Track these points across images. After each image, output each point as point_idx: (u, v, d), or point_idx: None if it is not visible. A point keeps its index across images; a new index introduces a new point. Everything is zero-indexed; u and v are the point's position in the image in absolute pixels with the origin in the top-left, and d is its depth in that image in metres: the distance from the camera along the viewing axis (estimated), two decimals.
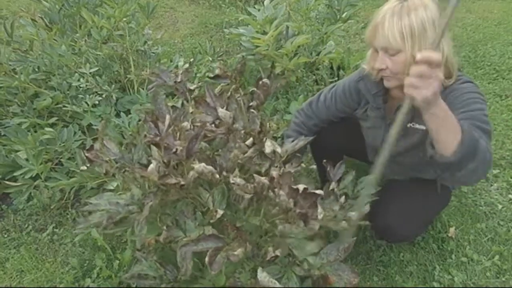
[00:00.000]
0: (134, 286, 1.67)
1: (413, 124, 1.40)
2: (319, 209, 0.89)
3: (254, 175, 0.95)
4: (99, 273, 1.77)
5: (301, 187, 0.90)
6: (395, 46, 1.23)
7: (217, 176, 1.01)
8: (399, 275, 1.71)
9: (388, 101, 1.47)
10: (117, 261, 1.78)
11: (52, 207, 2.12)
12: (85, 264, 1.85)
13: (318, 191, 0.90)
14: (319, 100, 1.67)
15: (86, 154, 1.10)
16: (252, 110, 1.33)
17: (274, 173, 0.96)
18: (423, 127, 1.37)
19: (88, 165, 1.13)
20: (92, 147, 1.13)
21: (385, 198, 1.51)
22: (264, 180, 0.94)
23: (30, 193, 2.08)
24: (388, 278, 1.71)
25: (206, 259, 0.89)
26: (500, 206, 2.02)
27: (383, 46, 1.26)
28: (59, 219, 2.10)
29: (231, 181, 0.96)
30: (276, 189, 0.93)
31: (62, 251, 1.94)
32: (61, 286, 1.76)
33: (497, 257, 1.76)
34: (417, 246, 1.83)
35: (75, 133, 2.19)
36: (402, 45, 1.22)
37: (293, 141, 1.35)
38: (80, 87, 2.33)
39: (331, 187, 1.30)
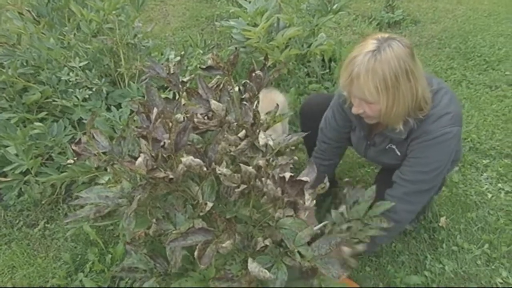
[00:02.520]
0: (126, 279, 1.67)
1: (391, 145, 1.48)
2: (307, 196, 0.89)
3: (241, 164, 0.93)
4: (92, 268, 1.75)
5: (287, 175, 0.89)
6: (371, 99, 1.28)
7: (205, 169, 1.00)
8: (391, 265, 1.72)
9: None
10: (110, 255, 1.77)
11: (43, 202, 2.10)
12: (78, 259, 1.83)
13: (305, 178, 0.90)
14: (326, 124, 1.69)
15: (73, 148, 1.07)
16: (244, 102, 1.31)
17: (261, 162, 0.94)
18: (398, 153, 1.47)
19: (76, 158, 1.11)
20: (79, 140, 1.11)
21: (379, 185, 1.52)
22: (251, 169, 0.93)
23: (21, 188, 2.06)
24: (380, 268, 1.72)
25: (196, 253, 0.88)
26: (490, 196, 2.04)
27: (360, 98, 1.31)
28: (50, 214, 2.08)
29: (218, 172, 0.95)
30: (263, 178, 0.92)
31: (54, 246, 1.93)
32: (53, 281, 1.74)
33: (487, 245, 1.78)
34: (408, 236, 1.84)
35: (65, 127, 2.16)
36: (378, 98, 1.27)
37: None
38: (70, 81, 2.29)
39: (340, 210, 1.27)
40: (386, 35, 1.27)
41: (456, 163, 1.72)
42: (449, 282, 1.65)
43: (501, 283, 1.65)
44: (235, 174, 0.95)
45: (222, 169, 0.95)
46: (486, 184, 2.11)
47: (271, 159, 1.27)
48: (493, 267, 1.70)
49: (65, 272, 1.78)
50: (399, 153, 1.47)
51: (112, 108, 2.24)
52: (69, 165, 1.96)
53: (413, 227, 1.86)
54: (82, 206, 1.24)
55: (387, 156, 1.52)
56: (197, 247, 0.90)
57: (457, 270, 1.70)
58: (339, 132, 1.67)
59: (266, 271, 0.87)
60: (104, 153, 1.23)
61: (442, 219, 1.89)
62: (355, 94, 1.31)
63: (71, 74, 2.28)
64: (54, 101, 2.24)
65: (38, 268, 1.82)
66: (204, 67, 1.29)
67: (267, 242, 0.95)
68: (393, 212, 1.42)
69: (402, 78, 1.23)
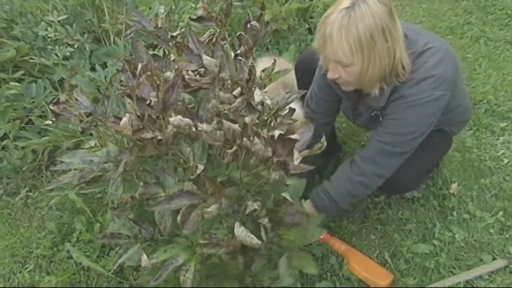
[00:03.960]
0: (116, 248, 1.69)
1: (376, 112, 1.49)
2: (295, 155, 0.89)
3: (223, 120, 0.92)
4: (79, 237, 1.78)
5: (276, 133, 0.88)
6: (346, 61, 1.27)
7: (194, 129, 0.99)
8: (397, 233, 1.74)
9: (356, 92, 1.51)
10: (98, 224, 1.79)
11: (24, 169, 2.10)
12: (64, 228, 1.85)
13: (294, 136, 0.89)
14: (311, 96, 1.68)
15: (51, 108, 1.06)
16: (239, 58, 1.29)
17: (247, 119, 0.93)
18: (381, 119, 1.48)
19: (54, 119, 1.09)
20: (58, 100, 1.09)
21: None
22: (234, 126, 0.92)
23: None
24: (385, 236, 1.74)
25: (178, 218, 0.88)
26: (506, 161, 2.03)
27: (334, 60, 1.30)
28: (32, 182, 2.09)
29: (199, 128, 0.94)
30: (250, 137, 0.91)
31: (38, 215, 1.95)
32: (38, 251, 1.77)
33: (501, 213, 1.79)
34: (416, 203, 1.85)
35: (45, 88, 2.14)
36: (352, 59, 1.25)
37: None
38: (48, 38, 2.25)
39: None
40: None
41: (465, 124, 1.72)
42: (459, 251, 1.67)
43: None
44: (218, 131, 0.94)
45: (203, 125, 0.93)
46: (502, 149, 2.10)
47: (269, 119, 1.26)
48: (507, 235, 1.72)
49: (50, 242, 1.80)
50: (382, 119, 1.48)
51: (97, 67, 2.22)
52: (51, 129, 1.96)
53: (421, 193, 1.87)
54: (65, 172, 1.25)
55: (374, 123, 1.53)
56: (181, 211, 0.90)
57: (468, 239, 1.72)
58: (327, 102, 1.66)
59: (254, 236, 0.88)
60: (88, 115, 1.22)
61: (453, 186, 1.90)
62: (329, 56, 1.31)
63: (49, 29, 2.23)
64: (31, 59, 2.20)
65: (21, 238, 1.85)
66: (195, 17, 1.26)
67: (255, 205, 0.96)
68: (362, 175, 1.47)
69: (378, 37, 1.22)
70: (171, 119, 0.98)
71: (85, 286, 1.67)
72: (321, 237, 1.58)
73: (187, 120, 0.97)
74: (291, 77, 1.89)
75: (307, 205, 1.56)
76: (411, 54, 1.33)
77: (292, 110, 1.36)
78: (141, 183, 1.05)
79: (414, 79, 1.33)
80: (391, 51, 1.26)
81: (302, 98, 1.83)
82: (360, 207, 1.83)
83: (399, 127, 1.41)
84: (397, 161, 1.48)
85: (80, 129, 1.40)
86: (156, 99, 1.04)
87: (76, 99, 1.20)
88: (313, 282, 1.57)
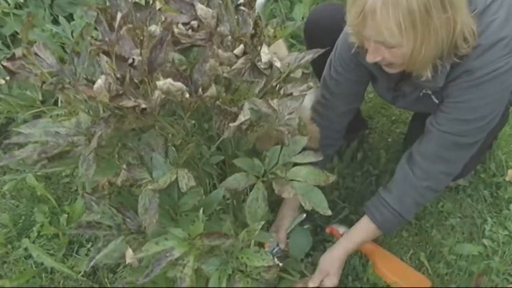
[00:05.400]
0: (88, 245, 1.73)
1: (425, 91, 1.46)
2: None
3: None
4: (40, 231, 1.81)
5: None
6: (393, 42, 1.23)
7: (188, 95, 1.01)
8: (436, 230, 1.77)
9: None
10: (65, 215, 1.82)
11: None
12: (21, 221, 1.89)
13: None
14: (330, 72, 1.63)
15: (4, 64, 1.07)
16: (242, 8, 1.30)
17: None
18: (435, 100, 1.46)
19: (8, 78, 1.11)
20: (14, 55, 1.10)
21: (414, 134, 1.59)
22: None
23: None
24: (422, 233, 1.77)
25: None
26: None
27: (377, 40, 1.27)
28: None
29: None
30: None
31: None
32: None
33: None
34: (461, 193, 1.87)
35: None
36: (401, 40, 1.22)
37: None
38: None
39: None
40: None
41: None
42: None
43: None
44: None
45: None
46: None
47: (278, 85, 1.28)
48: None
49: (3, 237, 1.84)
50: (436, 101, 1.46)
51: (61, 19, 2.21)
52: (3, 97, 1.98)
53: (468, 181, 1.89)
54: (22, 146, 1.26)
55: (422, 104, 1.52)
56: None
57: None
58: (355, 83, 1.63)
59: None
60: (53, 76, 1.24)
61: (510, 172, 1.91)
62: (370, 36, 1.27)
63: None
64: None
65: None
66: None
67: None
68: (429, 178, 1.46)
69: (435, 9, 1.18)
70: (159, 83, 1.00)
71: None
72: (340, 233, 1.62)
73: (179, 84, 0.99)
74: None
75: (363, 221, 1.56)
76: (473, 17, 1.29)
77: (306, 75, 1.39)
78: (124, 166, 1.07)
79: (480, 46, 1.29)
80: (450, 23, 1.21)
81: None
82: None
83: (466, 112, 1.38)
84: (469, 153, 1.47)
85: (41, 97, 1.40)
86: (139, 58, 1.06)
87: (37, 55, 1.21)
88: None
